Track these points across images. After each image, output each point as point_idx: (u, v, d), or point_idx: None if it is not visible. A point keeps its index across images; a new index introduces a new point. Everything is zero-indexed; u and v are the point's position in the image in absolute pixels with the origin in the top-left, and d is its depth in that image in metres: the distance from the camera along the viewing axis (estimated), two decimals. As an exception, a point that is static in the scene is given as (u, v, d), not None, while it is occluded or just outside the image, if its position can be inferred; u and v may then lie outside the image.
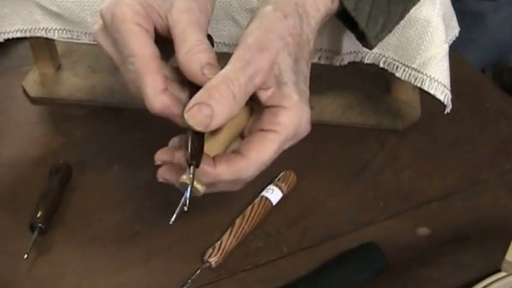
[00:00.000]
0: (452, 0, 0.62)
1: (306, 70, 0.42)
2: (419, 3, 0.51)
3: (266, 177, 0.54)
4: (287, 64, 0.40)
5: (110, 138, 0.63)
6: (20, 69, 0.71)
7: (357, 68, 0.59)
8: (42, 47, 0.67)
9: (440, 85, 0.53)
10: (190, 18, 0.40)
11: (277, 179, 0.55)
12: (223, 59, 0.40)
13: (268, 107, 0.40)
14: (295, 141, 0.41)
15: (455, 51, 0.60)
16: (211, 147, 0.40)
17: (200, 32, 0.40)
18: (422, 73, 0.53)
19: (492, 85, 0.71)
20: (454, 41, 0.59)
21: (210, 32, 0.43)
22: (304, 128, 0.40)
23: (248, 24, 0.41)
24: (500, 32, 0.95)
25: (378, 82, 0.64)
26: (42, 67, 0.69)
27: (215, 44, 0.55)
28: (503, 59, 1.02)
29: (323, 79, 0.63)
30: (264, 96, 0.40)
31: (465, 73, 0.70)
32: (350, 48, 0.55)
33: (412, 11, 0.51)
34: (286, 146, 0.40)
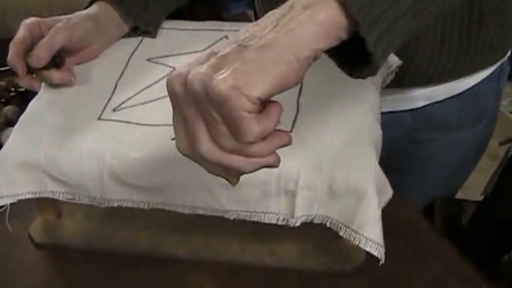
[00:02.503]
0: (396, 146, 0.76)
1: (290, 57, 0.45)
2: (352, 175, 0.64)
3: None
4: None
5: (104, 280, 0.74)
6: (25, 215, 0.82)
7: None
8: (46, 199, 0.79)
9: (374, 243, 0.64)
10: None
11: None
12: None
13: None
14: None
15: (399, 192, 0.72)
16: None
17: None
18: (359, 233, 0.65)
19: (429, 226, 0.83)
20: (397, 183, 0.72)
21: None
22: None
23: None
24: (446, 168, 1.04)
25: (332, 230, 0.76)
26: (45, 215, 0.80)
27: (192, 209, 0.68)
28: (453, 189, 1.13)
29: (284, 228, 0.75)
30: None
31: (405, 214, 0.82)
32: (304, 212, 0.68)
33: (351, 181, 0.64)
34: None
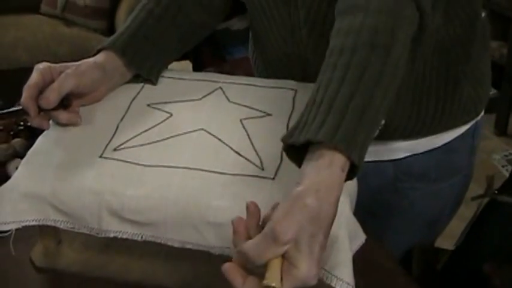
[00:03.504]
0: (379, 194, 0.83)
1: (321, 238, 0.60)
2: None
3: None
4: (303, 239, 0.59)
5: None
6: (27, 241, 0.88)
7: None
8: (48, 227, 0.85)
9: (344, 283, 0.71)
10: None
11: None
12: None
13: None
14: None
15: (378, 238, 0.78)
16: None
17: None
18: (331, 274, 0.71)
19: (400, 271, 0.89)
20: (378, 230, 0.78)
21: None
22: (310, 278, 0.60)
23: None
24: (425, 217, 1.10)
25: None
26: (46, 241, 0.87)
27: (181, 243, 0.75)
28: (432, 237, 1.17)
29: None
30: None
31: (379, 258, 0.87)
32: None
33: None
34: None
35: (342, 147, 0.63)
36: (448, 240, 1.21)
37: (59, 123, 0.83)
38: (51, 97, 0.80)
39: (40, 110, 0.81)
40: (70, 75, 0.82)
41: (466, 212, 1.17)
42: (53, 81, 0.82)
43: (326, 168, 0.63)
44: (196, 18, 0.99)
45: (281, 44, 0.96)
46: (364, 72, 0.67)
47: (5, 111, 1.11)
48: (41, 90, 0.81)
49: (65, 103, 0.82)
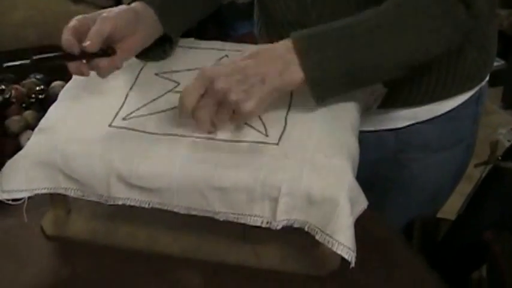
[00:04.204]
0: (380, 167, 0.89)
1: (253, 86, 0.76)
2: (328, 185, 0.73)
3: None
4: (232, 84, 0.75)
5: (105, 271, 0.83)
6: (38, 209, 0.90)
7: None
8: (59, 196, 0.87)
9: (345, 247, 0.73)
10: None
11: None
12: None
13: None
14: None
15: (380, 211, 0.79)
16: None
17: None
18: (332, 238, 0.73)
19: (400, 241, 0.90)
20: (379, 203, 0.80)
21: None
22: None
23: None
24: (427, 188, 1.11)
25: (311, 237, 0.84)
26: (57, 209, 0.89)
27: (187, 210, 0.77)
28: (433, 209, 1.19)
29: (266, 233, 0.80)
30: None
31: (379, 230, 0.88)
32: (285, 216, 0.76)
33: (326, 191, 0.73)
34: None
35: (296, 40, 0.78)
36: (449, 216, 1.22)
37: (100, 73, 0.83)
38: (94, 39, 0.79)
39: (80, 58, 0.80)
40: (106, 17, 0.82)
41: (469, 188, 1.18)
42: (89, 29, 0.81)
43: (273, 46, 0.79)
44: None
45: (285, 11, 0.98)
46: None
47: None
48: (80, 39, 0.80)
49: (109, 52, 0.82)
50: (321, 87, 0.79)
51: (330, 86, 0.79)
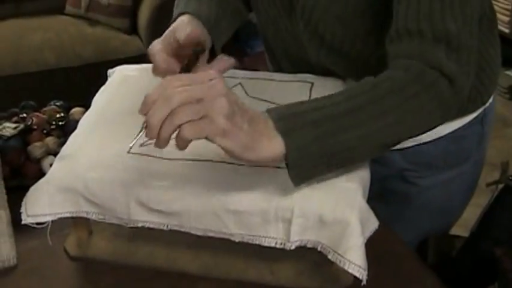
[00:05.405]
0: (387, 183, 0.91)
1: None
2: (339, 206, 0.76)
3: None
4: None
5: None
6: (61, 232, 0.93)
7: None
8: (81, 219, 0.91)
9: (356, 266, 0.76)
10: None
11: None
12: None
13: None
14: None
15: (387, 225, 0.81)
16: None
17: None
18: (344, 258, 0.76)
19: (413, 256, 0.92)
20: (387, 217, 0.82)
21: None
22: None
23: None
24: (435, 205, 1.12)
25: (324, 254, 0.86)
26: (79, 232, 0.93)
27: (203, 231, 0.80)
28: (445, 226, 1.21)
29: (281, 250, 0.81)
30: None
31: (391, 246, 0.91)
32: (298, 237, 0.79)
33: (337, 213, 0.76)
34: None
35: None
36: (464, 229, 1.23)
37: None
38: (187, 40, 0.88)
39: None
40: (176, 29, 0.89)
41: (482, 200, 1.19)
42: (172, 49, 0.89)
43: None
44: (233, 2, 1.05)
45: (286, 47, 1.03)
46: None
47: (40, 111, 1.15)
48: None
49: (198, 50, 0.89)
50: (300, 169, 0.75)
51: (308, 168, 0.76)
